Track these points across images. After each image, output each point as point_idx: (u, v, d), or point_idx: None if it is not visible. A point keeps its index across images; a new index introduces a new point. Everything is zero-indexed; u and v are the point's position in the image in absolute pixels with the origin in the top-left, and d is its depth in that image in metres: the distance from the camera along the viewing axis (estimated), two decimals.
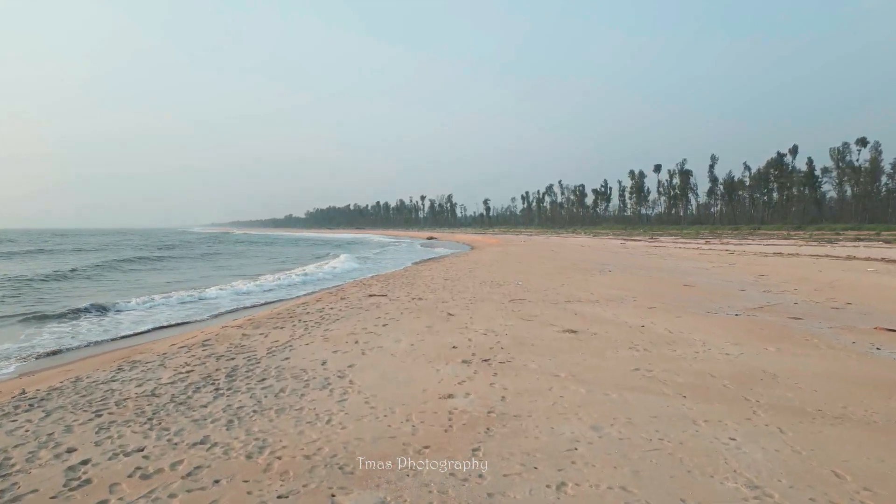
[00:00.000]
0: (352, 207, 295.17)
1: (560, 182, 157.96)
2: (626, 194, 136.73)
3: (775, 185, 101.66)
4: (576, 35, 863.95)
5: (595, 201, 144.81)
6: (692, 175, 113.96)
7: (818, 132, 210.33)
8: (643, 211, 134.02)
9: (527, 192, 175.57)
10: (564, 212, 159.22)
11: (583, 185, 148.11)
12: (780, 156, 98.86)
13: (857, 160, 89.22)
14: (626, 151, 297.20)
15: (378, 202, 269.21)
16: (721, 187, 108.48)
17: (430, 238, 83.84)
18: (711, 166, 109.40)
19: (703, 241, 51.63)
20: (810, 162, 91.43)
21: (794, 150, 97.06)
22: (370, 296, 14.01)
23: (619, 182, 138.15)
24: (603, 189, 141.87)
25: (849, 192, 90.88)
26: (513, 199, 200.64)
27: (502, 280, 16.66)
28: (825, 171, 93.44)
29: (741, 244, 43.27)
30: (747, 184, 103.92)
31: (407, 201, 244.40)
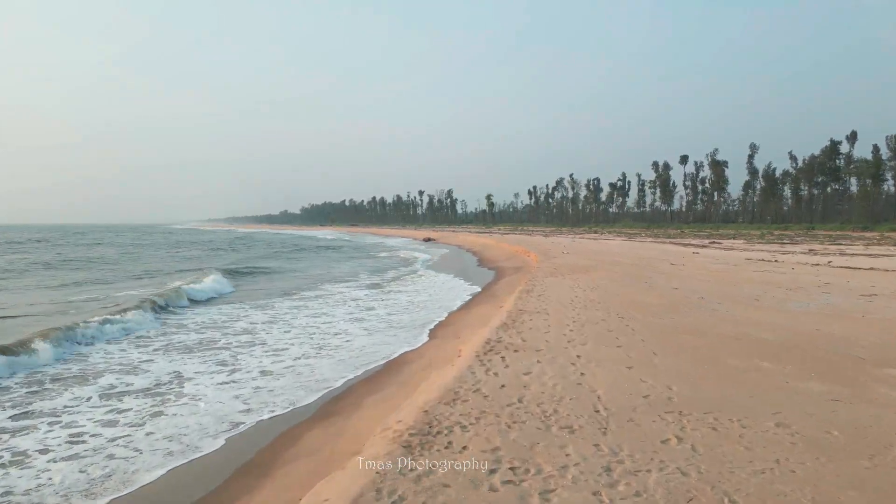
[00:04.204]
0: (347, 203, 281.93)
1: (571, 176, 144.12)
2: (647, 189, 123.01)
3: (822, 178, 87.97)
4: (581, 13, 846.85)
5: (611, 196, 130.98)
6: (727, 167, 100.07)
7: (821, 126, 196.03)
8: (664, 207, 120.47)
9: (534, 187, 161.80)
10: (572, 208, 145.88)
11: (598, 179, 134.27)
12: (835, 144, 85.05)
13: None
14: (626, 149, 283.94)
15: (374, 198, 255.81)
16: (761, 180, 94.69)
17: (428, 239, 70.05)
18: (751, 156, 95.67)
19: (800, 247, 37.80)
20: (876, 150, 77.50)
21: (852, 137, 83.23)
22: None
23: (639, 175, 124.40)
24: (620, 183, 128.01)
25: None
26: (516, 195, 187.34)
27: None
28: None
29: (876, 255, 29.60)
30: (794, 176, 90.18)
31: (404, 197, 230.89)
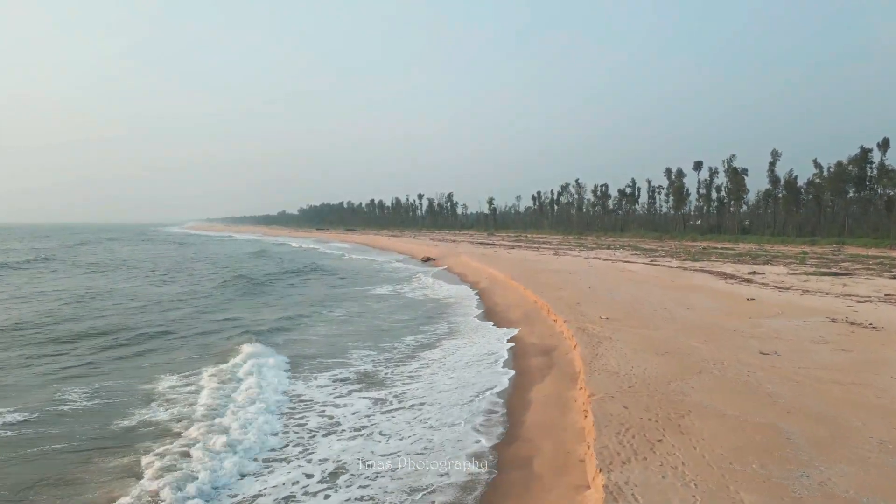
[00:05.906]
0: (345, 205, 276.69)
1: (577, 181, 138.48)
2: (657, 196, 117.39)
3: (852, 188, 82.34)
4: (582, 11, 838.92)
5: (620, 203, 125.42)
6: (747, 174, 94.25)
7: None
8: (673, 212, 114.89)
9: (538, 192, 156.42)
10: (577, 214, 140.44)
11: (606, 185, 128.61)
12: (865, 151, 79.38)
13: None
14: (630, 149, 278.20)
15: (373, 200, 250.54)
16: (783, 189, 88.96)
17: (427, 259, 64.30)
18: (772, 164, 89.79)
19: (862, 281, 32.04)
20: None
21: (884, 144, 77.55)
22: None
23: (649, 181, 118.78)
24: (630, 189, 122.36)
25: None
26: (518, 198, 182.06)
27: None
28: None
29: None
30: (820, 185, 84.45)
31: (403, 200, 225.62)
